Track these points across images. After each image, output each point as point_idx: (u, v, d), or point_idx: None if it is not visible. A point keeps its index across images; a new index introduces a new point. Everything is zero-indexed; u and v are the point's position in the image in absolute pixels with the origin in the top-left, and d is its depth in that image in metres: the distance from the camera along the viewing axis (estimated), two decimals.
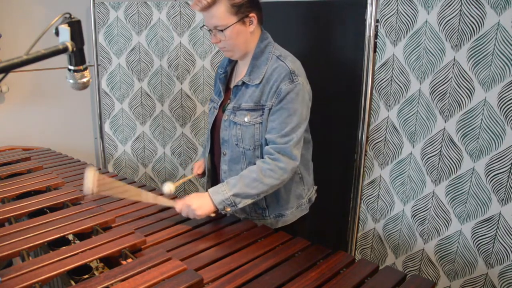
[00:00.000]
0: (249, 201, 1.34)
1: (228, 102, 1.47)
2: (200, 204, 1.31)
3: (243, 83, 1.41)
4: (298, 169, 1.48)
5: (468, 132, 1.54)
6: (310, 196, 1.58)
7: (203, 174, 1.69)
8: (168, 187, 1.50)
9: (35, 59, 0.89)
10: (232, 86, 1.49)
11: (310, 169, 1.59)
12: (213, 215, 1.35)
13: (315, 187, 1.65)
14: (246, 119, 1.39)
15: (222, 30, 1.33)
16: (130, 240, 1.14)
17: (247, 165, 1.43)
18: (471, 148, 1.55)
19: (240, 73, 1.46)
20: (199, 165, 1.70)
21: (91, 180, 1.26)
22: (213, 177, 1.61)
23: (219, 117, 1.49)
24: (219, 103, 1.51)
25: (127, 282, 0.93)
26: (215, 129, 1.52)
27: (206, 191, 1.37)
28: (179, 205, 1.34)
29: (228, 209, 1.33)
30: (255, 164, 1.39)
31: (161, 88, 2.63)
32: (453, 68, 1.55)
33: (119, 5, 2.50)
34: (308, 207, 1.57)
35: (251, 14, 1.34)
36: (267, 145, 1.38)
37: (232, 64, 1.53)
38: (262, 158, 1.40)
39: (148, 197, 1.40)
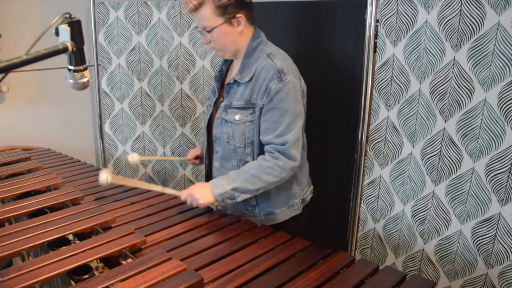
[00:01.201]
0: (247, 196, 1.39)
1: (221, 100, 1.49)
2: (202, 194, 1.37)
3: (235, 81, 1.42)
4: None
5: (468, 132, 1.54)
6: (304, 196, 1.58)
7: (198, 160, 1.79)
8: (132, 158, 1.66)
9: (35, 59, 0.89)
10: (226, 84, 1.51)
11: (305, 168, 1.59)
12: (215, 203, 1.42)
13: (311, 187, 1.65)
14: (236, 117, 1.41)
15: (209, 31, 1.35)
16: (130, 240, 1.13)
17: (237, 163, 1.46)
18: (471, 148, 1.55)
19: (234, 72, 1.48)
20: (193, 151, 1.80)
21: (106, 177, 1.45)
22: (208, 172, 1.64)
23: (213, 114, 1.52)
24: (213, 101, 1.55)
25: (127, 282, 0.93)
26: (210, 127, 1.55)
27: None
28: (184, 195, 1.41)
29: (228, 201, 1.38)
30: (246, 161, 1.43)
31: (161, 88, 2.63)
32: (453, 68, 1.55)
33: (119, 5, 2.50)
34: (301, 208, 1.57)
35: (238, 15, 1.35)
36: (262, 144, 1.41)
37: (228, 62, 1.55)
38: (253, 155, 1.43)
39: (157, 188, 1.50)
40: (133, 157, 1.69)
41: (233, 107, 1.42)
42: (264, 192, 1.43)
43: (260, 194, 1.44)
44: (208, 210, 1.47)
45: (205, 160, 1.64)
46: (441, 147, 1.64)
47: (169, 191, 1.50)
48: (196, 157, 1.78)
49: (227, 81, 1.49)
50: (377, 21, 1.77)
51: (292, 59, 1.46)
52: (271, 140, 1.37)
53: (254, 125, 1.40)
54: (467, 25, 1.47)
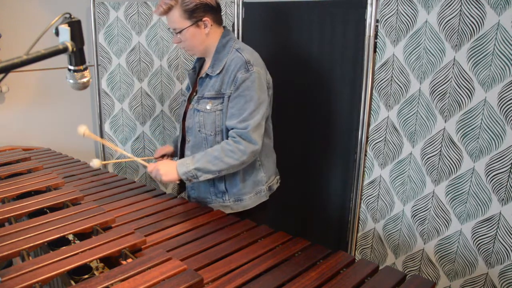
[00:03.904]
0: (209, 176, 1.48)
1: (195, 94, 1.60)
2: (167, 170, 1.48)
3: (207, 75, 1.54)
4: (258, 156, 1.57)
5: (468, 132, 1.54)
6: (270, 184, 1.67)
7: (166, 157, 1.82)
8: (95, 162, 1.61)
9: (35, 59, 0.89)
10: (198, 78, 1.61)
11: (271, 158, 1.68)
12: (177, 182, 1.53)
13: (278, 177, 1.74)
14: (208, 107, 1.51)
15: (178, 33, 1.48)
16: (130, 240, 1.13)
17: None
18: (471, 148, 1.55)
19: (206, 67, 1.58)
20: (161, 150, 1.84)
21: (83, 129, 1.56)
22: None
23: (187, 108, 1.63)
24: (188, 96, 1.66)
25: (127, 282, 0.93)
26: (185, 120, 1.63)
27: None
28: (151, 167, 1.52)
29: (192, 180, 1.48)
30: None
31: (161, 88, 2.63)
32: (453, 68, 1.55)
33: (119, 5, 2.50)
34: (267, 195, 1.66)
35: (205, 18, 1.47)
36: (228, 131, 1.51)
37: (201, 60, 1.67)
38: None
39: (128, 155, 1.66)
40: (94, 163, 1.63)
41: (204, 98, 1.53)
42: (233, 178, 1.55)
43: (229, 180, 1.55)
44: (174, 197, 1.55)
45: (179, 153, 1.71)
46: (441, 147, 1.64)
47: (139, 160, 1.64)
48: (163, 155, 1.83)
49: (200, 76, 1.59)
50: (377, 21, 1.77)
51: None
52: (234, 125, 1.47)
53: (223, 114, 1.51)
54: (467, 25, 1.47)
